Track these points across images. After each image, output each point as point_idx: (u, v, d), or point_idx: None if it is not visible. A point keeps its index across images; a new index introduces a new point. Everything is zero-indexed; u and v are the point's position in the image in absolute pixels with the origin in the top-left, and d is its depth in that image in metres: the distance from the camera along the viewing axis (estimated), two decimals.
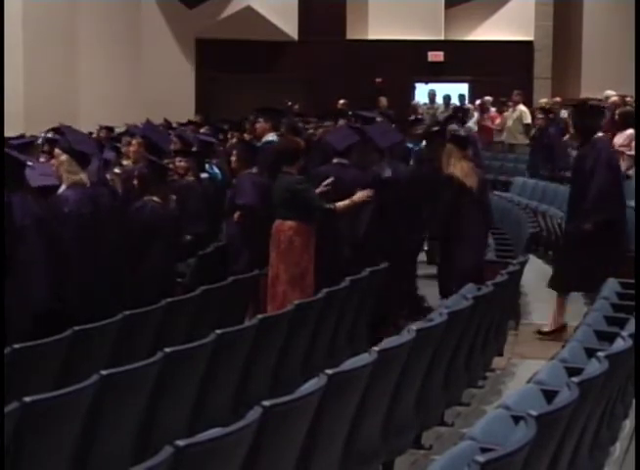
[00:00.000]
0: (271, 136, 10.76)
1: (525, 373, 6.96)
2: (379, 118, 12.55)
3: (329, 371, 4.27)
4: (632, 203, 10.69)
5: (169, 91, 22.45)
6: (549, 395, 4.46)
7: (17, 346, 5.23)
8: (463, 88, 23.00)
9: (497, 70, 22.57)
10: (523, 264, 8.17)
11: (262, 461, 3.77)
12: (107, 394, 4.42)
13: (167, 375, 4.90)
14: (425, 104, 21.66)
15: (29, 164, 7.62)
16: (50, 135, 12.36)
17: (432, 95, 21.92)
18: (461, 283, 7.70)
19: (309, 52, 23.04)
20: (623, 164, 13.21)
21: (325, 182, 8.56)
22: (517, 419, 3.96)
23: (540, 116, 16.77)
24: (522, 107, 18.96)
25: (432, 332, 5.57)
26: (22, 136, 13.19)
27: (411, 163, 11.56)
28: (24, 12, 20.26)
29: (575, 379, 4.14)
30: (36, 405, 4.02)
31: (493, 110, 20.08)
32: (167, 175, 8.77)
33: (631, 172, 12.72)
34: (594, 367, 4.51)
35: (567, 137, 12.90)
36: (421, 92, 23.13)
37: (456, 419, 6.63)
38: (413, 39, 23.11)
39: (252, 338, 5.85)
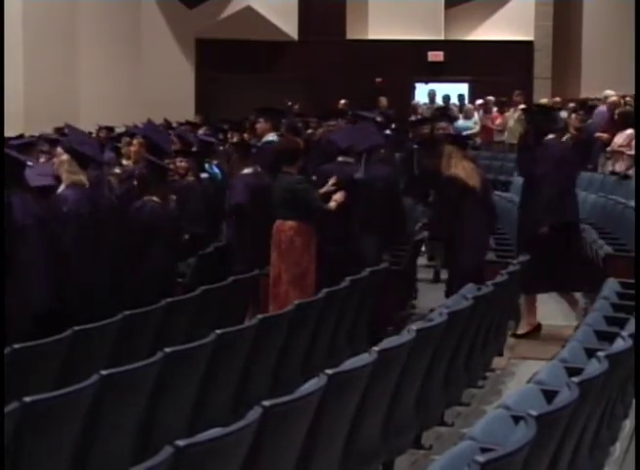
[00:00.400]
0: (271, 136, 10.76)
1: (525, 373, 6.96)
2: (379, 118, 12.57)
3: (329, 371, 4.27)
4: (632, 203, 10.70)
5: (169, 91, 22.45)
6: (549, 395, 4.46)
7: (17, 346, 5.23)
8: (463, 88, 22.99)
9: (497, 70, 22.57)
10: (523, 264, 8.16)
11: (262, 461, 3.77)
12: (107, 394, 4.42)
13: (167, 375, 4.90)
14: (425, 104, 21.65)
15: (29, 163, 7.62)
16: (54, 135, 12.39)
17: (432, 95, 21.92)
18: (461, 283, 7.71)
19: (309, 52, 23.04)
20: (623, 164, 13.22)
21: (330, 182, 8.59)
22: (517, 419, 3.96)
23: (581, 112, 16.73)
24: (522, 107, 18.94)
25: (432, 332, 5.57)
26: (21, 136, 13.21)
27: (415, 163, 11.57)
28: (24, 12, 20.27)
29: (575, 379, 4.14)
30: (36, 405, 4.02)
31: (495, 110, 20.08)
32: (167, 176, 8.77)
33: (631, 172, 12.72)
34: (594, 367, 4.51)
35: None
36: (421, 92, 23.12)
37: (456, 419, 6.63)
38: (413, 39, 23.11)
39: (252, 338, 5.85)
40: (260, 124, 11.23)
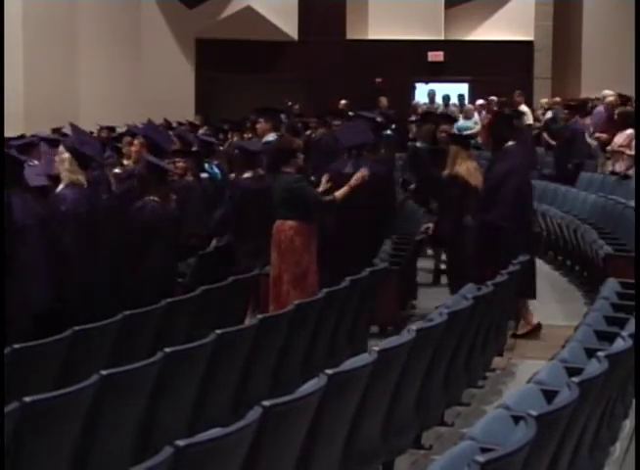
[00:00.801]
0: (271, 136, 10.76)
1: (525, 373, 6.96)
2: (379, 118, 12.58)
3: (329, 371, 4.27)
4: (632, 203, 10.70)
5: (169, 91, 22.45)
6: (549, 395, 4.46)
7: (17, 346, 5.23)
8: (463, 88, 22.99)
9: (497, 70, 22.57)
10: (523, 264, 8.16)
11: (262, 461, 3.77)
12: (107, 394, 4.42)
13: (167, 375, 4.90)
14: (425, 104, 21.66)
15: (29, 163, 7.62)
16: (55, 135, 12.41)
17: (431, 95, 21.92)
18: (461, 283, 7.72)
19: (309, 52, 23.03)
20: (623, 164, 13.23)
21: (323, 181, 8.64)
22: (517, 419, 3.96)
23: (566, 111, 16.76)
24: (523, 107, 18.96)
25: (432, 332, 5.57)
26: (22, 136, 13.21)
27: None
28: (24, 12, 20.25)
29: (575, 379, 4.14)
30: (36, 405, 4.02)
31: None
32: (167, 176, 8.76)
33: (631, 172, 12.72)
34: (594, 367, 4.51)
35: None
36: (421, 92, 23.12)
37: (456, 419, 6.62)
38: (413, 39, 23.10)
39: (252, 338, 5.85)
40: (260, 124, 11.23)
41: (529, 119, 18.55)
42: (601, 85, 18.01)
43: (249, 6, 22.58)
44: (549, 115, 17.64)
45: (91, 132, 13.85)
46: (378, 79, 22.95)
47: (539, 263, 12.21)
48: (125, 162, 10.50)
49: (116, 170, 9.98)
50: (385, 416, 5.09)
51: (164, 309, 6.58)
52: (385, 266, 8.34)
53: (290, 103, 19.26)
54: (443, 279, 11.02)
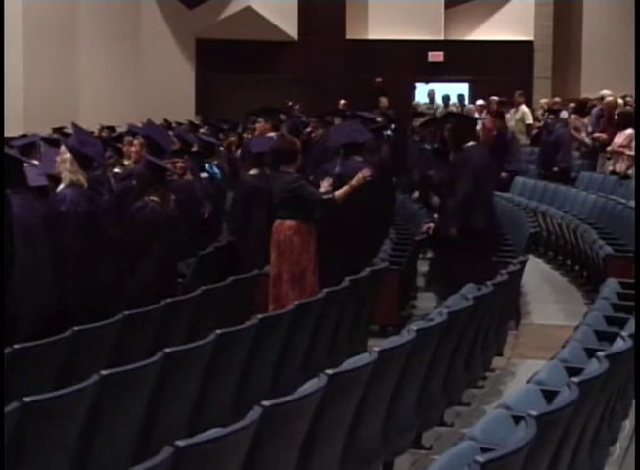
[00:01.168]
0: (271, 136, 10.77)
1: (525, 373, 6.95)
2: (378, 118, 12.57)
3: (329, 371, 4.26)
4: (632, 203, 10.70)
5: (169, 91, 22.46)
6: (549, 395, 4.46)
7: (17, 346, 5.22)
8: (463, 88, 23.00)
9: (497, 70, 22.59)
10: (523, 264, 8.16)
11: (262, 461, 3.77)
12: (107, 394, 4.42)
13: (167, 375, 4.90)
14: (425, 104, 21.66)
15: (30, 163, 7.62)
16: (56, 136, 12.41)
17: (431, 95, 21.93)
18: (451, 287, 7.73)
19: (309, 52, 23.04)
20: (623, 164, 13.23)
21: (325, 184, 8.63)
22: (517, 419, 3.96)
23: (551, 116, 16.77)
24: (524, 107, 18.94)
25: (432, 332, 5.57)
26: (24, 136, 13.20)
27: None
28: (24, 12, 20.27)
29: (575, 379, 4.14)
30: (36, 405, 4.02)
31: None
32: (166, 176, 8.76)
33: (631, 172, 12.73)
34: (594, 367, 4.51)
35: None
36: (421, 92, 23.13)
37: (456, 419, 6.62)
38: (413, 39, 23.12)
39: (252, 338, 5.84)
40: (260, 124, 11.24)
41: (530, 119, 18.53)
42: (601, 85, 18.01)
43: (249, 6, 22.60)
44: (564, 114, 17.50)
45: (92, 132, 13.86)
46: (378, 79, 22.95)
47: (539, 263, 12.23)
48: (126, 162, 10.50)
49: (116, 170, 9.98)
50: (385, 416, 5.08)
51: (164, 309, 6.58)
52: (385, 266, 8.34)
53: (290, 103, 19.26)
54: None
